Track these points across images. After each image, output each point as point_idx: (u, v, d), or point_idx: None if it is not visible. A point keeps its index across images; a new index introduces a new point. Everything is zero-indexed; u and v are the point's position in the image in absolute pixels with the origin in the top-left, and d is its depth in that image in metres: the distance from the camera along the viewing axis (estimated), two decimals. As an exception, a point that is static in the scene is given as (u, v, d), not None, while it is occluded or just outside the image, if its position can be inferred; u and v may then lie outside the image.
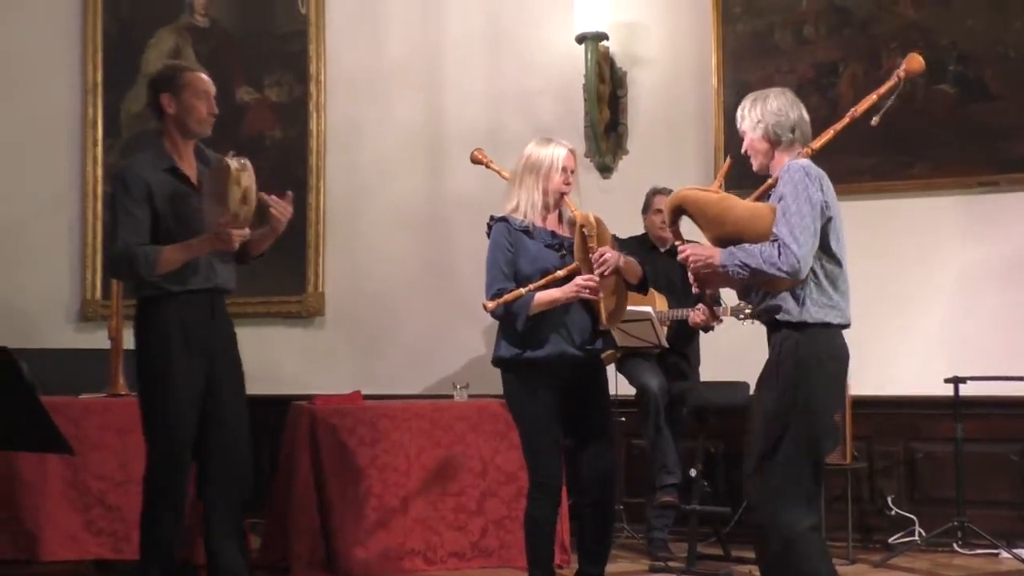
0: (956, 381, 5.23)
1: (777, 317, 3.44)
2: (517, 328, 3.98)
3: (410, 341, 6.37)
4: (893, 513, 5.59)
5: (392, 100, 6.50)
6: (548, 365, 3.98)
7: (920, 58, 3.72)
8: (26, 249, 6.81)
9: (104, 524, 4.69)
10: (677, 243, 3.64)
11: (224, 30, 6.79)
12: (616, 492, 4.11)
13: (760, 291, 3.52)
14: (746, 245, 3.38)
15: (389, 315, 6.43)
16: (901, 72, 3.71)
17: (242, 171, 3.82)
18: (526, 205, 4.07)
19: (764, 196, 3.57)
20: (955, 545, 5.33)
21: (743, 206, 3.48)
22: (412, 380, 6.25)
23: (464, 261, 6.25)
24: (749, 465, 3.53)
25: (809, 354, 3.40)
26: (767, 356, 3.55)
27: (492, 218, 4.15)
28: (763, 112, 3.52)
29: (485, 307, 4.01)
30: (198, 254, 3.97)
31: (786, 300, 3.43)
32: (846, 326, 3.49)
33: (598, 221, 4.02)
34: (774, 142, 3.53)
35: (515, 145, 6.18)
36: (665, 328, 5.10)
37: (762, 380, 3.55)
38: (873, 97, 3.70)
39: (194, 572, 4.67)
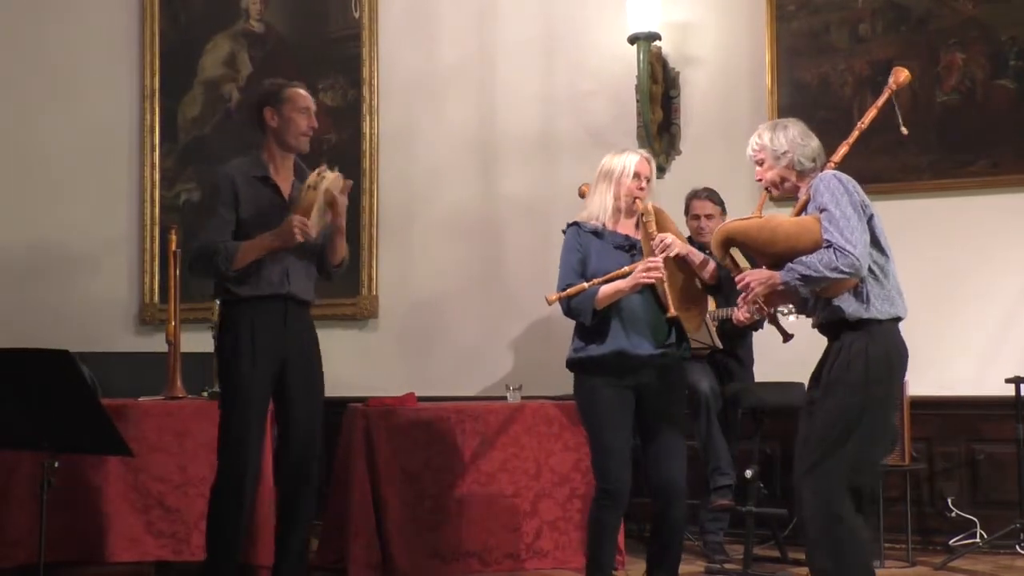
0: (1017, 381, 5.16)
1: (847, 318, 3.47)
2: (586, 324, 3.96)
3: (463, 343, 6.38)
4: (954, 515, 5.51)
5: (445, 103, 6.52)
6: (612, 364, 3.94)
7: (906, 71, 3.87)
8: (85, 254, 6.91)
9: (164, 526, 4.73)
10: (735, 274, 3.66)
11: (279, 35, 6.85)
12: (683, 501, 4.05)
13: (820, 300, 3.55)
14: (802, 258, 3.43)
15: (442, 317, 6.45)
16: (892, 85, 3.83)
17: (323, 172, 4.01)
18: (599, 209, 4.08)
19: (800, 213, 3.64)
20: (1017, 547, 5.25)
21: (789, 222, 3.55)
22: (465, 382, 6.26)
23: (517, 264, 6.27)
24: (801, 467, 3.53)
25: (880, 353, 3.47)
26: (824, 359, 3.58)
27: (568, 224, 4.16)
28: (788, 142, 3.62)
29: (548, 300, 4.01)
30: (267, 248, 4.08)
31: (848, 302, 3.48)
32: (903, 318, 3.57)
33: (658, 210, 4.02)
34: (799, 172, 3.63)
35: (568, 148, 6.24)
36: (713, 328, 5.07)
37: (823, 384, 3.53)
38: (873, 111, 3.80)
39: (253, 573, 4.71)
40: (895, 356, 3.52)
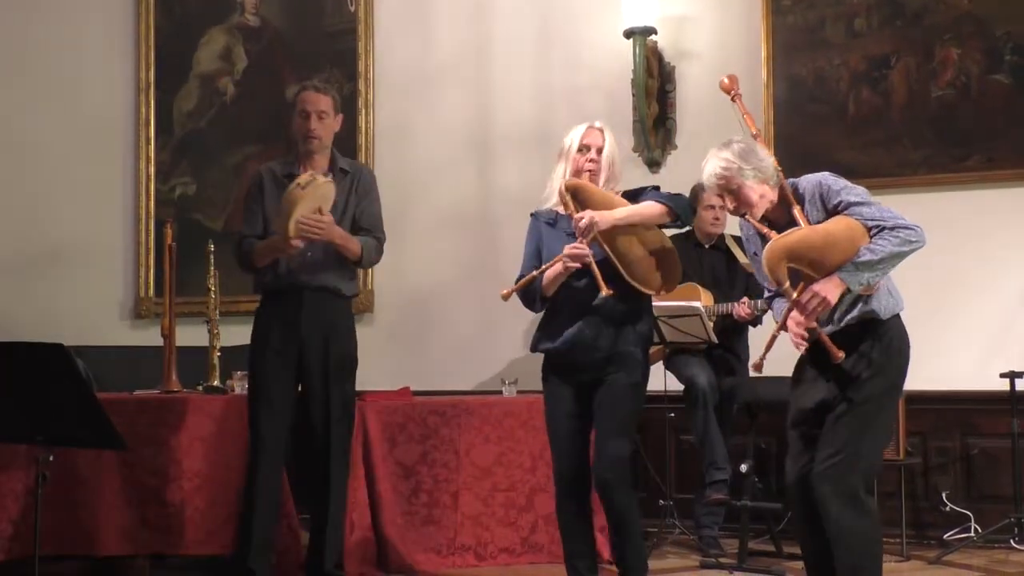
0: (1012, 376, 5.17)
1: (881, 316, 3.45)
2: (535, 312, 3.97)
3: (459, 337, 6.38)
4: (948, 509, 5.52)
5: (441, 97, 6.52)
6: (560, 360, 3.90)
7: (732, 75, 3.93)
8: (80, 247, 6.90)
9: (158, 520, 4.71)
10: (792, 294, 3.41)
11: (274, 29, 6.85)
12: (622, 497, 3.84)
13: (844, 302, 3.47)
14: (868, 246, 3.32)
15: (438, 311, 6.45)
16: (736, 91, 3.85)
17: (299, 187, 4.11)
18: (553, 191, 3.91)
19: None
20: (1012, 542, 5.26)
21: (833, 224, 3.41)
22: (461, 376, 6.26)
23: (512, 258, 6.17)
24: (818, 460, 3.50)
25: (901, 342, 3.50)
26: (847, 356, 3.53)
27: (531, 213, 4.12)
28: (758, 156, 3.47)
29: (502, 295, 3.95)
30: (274, 253, 4.26)
31: (880, 300, 3.45)
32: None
33: (581, 186, 3.75)
34: (773, 185, 3.49)
35: (564, 142, 6.22)
36: (711, 323, 5.07)
37: (859, 379, 3.47)
38: (748, 120, 3.78)
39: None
40: (908, 346, 3.54)
